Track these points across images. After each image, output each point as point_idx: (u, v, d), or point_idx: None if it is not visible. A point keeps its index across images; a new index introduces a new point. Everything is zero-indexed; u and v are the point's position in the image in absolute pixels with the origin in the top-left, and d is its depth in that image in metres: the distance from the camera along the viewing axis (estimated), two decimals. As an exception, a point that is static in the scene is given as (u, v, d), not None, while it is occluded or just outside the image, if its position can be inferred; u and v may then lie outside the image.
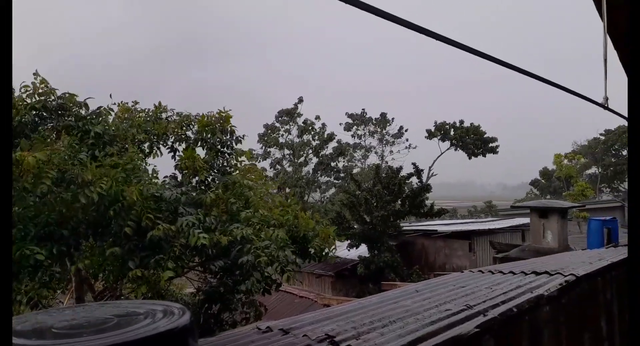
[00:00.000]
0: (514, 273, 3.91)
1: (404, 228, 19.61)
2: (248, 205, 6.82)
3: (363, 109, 36.88)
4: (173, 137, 7.33)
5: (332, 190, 30.65)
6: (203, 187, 6.99)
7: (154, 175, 7.25)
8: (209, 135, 7.34)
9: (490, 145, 30.32)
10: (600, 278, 4.01)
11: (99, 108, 6.86)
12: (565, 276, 3.62)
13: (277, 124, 29.15)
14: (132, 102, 8.19)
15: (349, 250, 18.12)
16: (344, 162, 30.16)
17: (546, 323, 3.11)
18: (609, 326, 4.27)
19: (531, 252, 13.01)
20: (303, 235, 7.08)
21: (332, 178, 29.64)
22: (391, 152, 38.87)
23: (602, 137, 54.94)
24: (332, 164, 28.16)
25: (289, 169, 27.52)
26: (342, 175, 29.32)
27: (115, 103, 7.78)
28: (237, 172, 7.52)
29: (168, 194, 5.71)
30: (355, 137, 36.39)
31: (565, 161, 38.57)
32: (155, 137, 7.21)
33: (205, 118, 7.41)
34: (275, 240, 6.09)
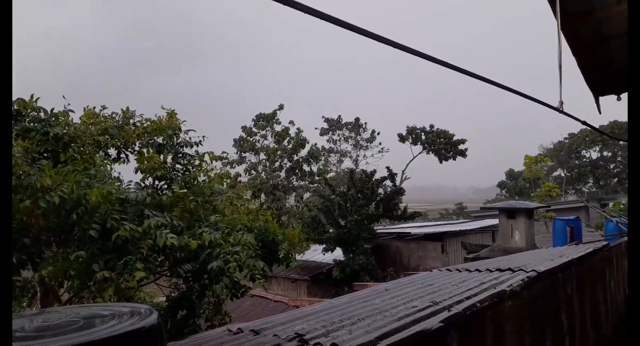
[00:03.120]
0: (480, 271, 4.05)
1: (378, 231, 19.83)
2: (216, 209, 6.79)
3: (339, 115, 37.32)
4: (140, 143, 7.23)
5: (308, 195, 30.65)
6: (164, 188, 6.92)
7: (120, 181, 7.14)
8: (164, 139, 7.30)
9: (460, 147, 31.06)
10: (560, 274, 4.20)
11: (52, 110, 6.65)
12: (528, 272, 3.78)
13: (254, 129, 29.01)
14: (101, 106, 8.04)
15: (324, 254, 18.18)
16: (317, 165, 30.20)
17: (509, 317, 3.24)
18: (569, 320, 4.47)
19: (500, 252, 13.38)
20: (272, 239, 7.09)
21: (307, 182, 29.68)
22: (365, 156, 39.38)
23: (567, 141, 57.12)
24: (306, 168, 28.15)
25: (263, 174, 27.36)
26: (317, 178, 29.42)
27: (78, 105, 7.62)
28: (201, 173, 7.47)
29: (133, 196, 5.62)
30: (331, 142, 36.70)
31: (533, 165, 39.80)
32: (122, 143, 7.09)
33: (151, 122, 7.38)
34: (244, 245, 6.07)
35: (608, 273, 5.77)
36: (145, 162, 6.92)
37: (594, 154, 56.47)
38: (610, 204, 30.93)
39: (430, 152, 32.87)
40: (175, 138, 7.91)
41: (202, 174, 7.82)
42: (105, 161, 7.47)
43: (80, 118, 7.36)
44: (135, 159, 7.39)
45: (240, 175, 26.50)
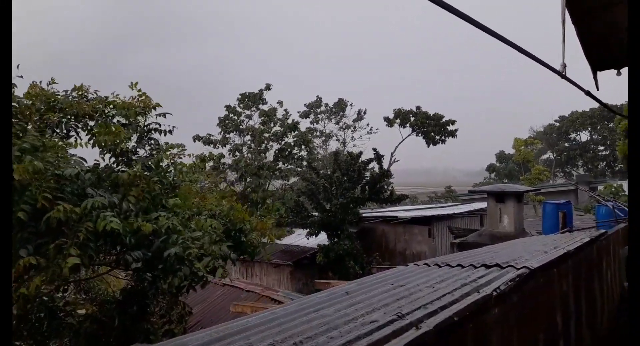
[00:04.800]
0: (463, 267, 3.45)
1: (364, 214, 19.32)
2: (176, 192, 6.09)
3: (317, 95, 36.49)
4: (94, 120, 6.41)
5: (295, 178, 30.03)
6: (123, 165, 6.17)
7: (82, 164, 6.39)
8: (131, 118, 6.49)
9: (450, 128, 30.42)
10: (555, 269, 3.61)
11: None
12: (518, 269, 3.19)
13: (239, 108, 28.04)
14: (50, 79, 7.22)
15: (307, 239, 17.65)
16: (306, 150, 29.45)
17: (494, 327, 2.64)
18: (564, 320, 3.92)
19: (488, 237, 12.93)
20: (239, 228, 6.40)
21: (295, 165, 28.96)
22: (352, 138, 38.68)
23: (557, 124, 56.85)
24: (295, 152, 27.36)
25: (248, 156, 26.54)
26: (304, 163, 28.72)
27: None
28: (167, 158, 6.67)
29: (70, 171, 4.87)
30: (314, 123, 35.93)
31: (523, 147, 39.58)
32: (72, 118, 6.29)
33: (124, 102, 6.56)
34: (208, 230, 5.40)
35: (605, 264, 5.24)
36: (105, 136, 6.14)
37: (583, 137, 56.39)
38: (601, 187, 30.80)
39: (420, 135, 32.23)
40: (143, 119, 7.10)
41: (168, 159, 7.05)
42: (57, 141, 6.69)
43: (23, 94, 6.55)
44: (90, 135, 6.62)
45: (224, 156, 25.71)
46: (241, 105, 27.29)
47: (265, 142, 26.23)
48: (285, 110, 28.26)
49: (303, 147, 27.92)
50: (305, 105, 37.93)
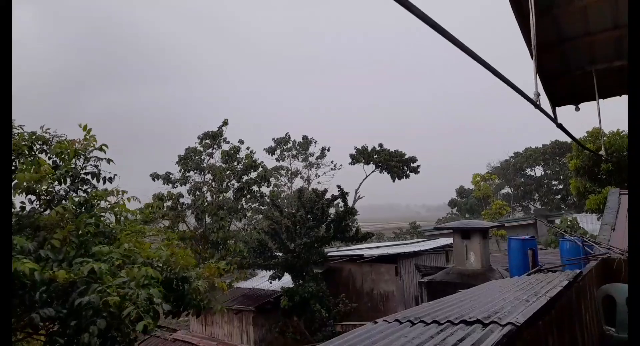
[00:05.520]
0: (439, 324, 2.99)
1: (330, 254, 18.71)
2: (110, 238, 5.35)
3: (287, 132, 36.53)
4: (20, 159, 5.63)
5: (260, 217, 29.06)
6: (51, 206, 5.39)
7: None
8: (66, 159, 5.74)
9: (412, 165, 31.02)
10: (541, 322, 3.22)
11: None
12: (503, 326, 2.76)
13: (200, 147, 27.33)
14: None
15: (270, 283, 16.78)
16: (269, 187, 28.77)
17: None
18: (550, 376, 3.50)
19: (456, 275, 12.63)
20: (182, 276, 5.61)
21: (257, 204, 28.16)
22: (317, 175, 38.54)
23: (512, 160, 59.25)
24: (255, 189, 26.64)
25: (208, 195, 25.58)
26: (268, 200, 28.01)
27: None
28: (104, 201, 5.90)
29: None
30: (280, 160, 35.70)
31: (482, 182, 40.64)
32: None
33: (66, 142, 5.86)
34: (137, 277, 4.64)
35: (583, 307, 4.93)
36: (26, 173, 5.38)
37: (537, 172, 58.85)
38: (557, 221, 31.75)
39: (383, 171, 32.55)
40: (80, 161, 6.30)
41: (104, 201, 6.25)
42: None
43: None
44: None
45: (183, 196, 24.68)
46: (202, 144, 26.65)
47: (227, 180, 25.46)
48: (248, 147, 27.80)
49: (263, 184, 27.28)
50: (273, 139, 37.81)
